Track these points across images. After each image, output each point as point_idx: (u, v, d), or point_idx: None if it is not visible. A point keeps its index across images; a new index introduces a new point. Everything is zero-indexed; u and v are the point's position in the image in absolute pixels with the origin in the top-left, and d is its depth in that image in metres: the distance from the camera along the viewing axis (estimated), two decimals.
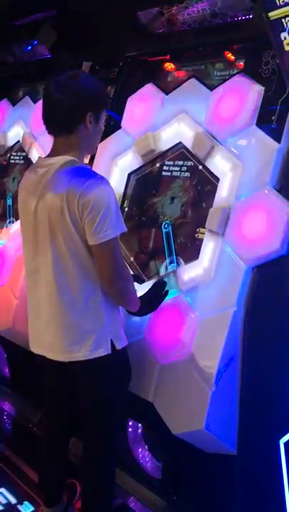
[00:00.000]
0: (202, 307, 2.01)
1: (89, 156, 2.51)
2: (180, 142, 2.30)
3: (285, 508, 1.90)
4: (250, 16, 2.13)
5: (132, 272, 2.26)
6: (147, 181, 2.46)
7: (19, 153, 3.39)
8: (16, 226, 3.05)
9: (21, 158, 3.36)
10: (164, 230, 2.28)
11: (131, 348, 1.98)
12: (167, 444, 2.22)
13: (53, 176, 1.79)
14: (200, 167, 2.22)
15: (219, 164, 2.10)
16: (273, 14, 1.71)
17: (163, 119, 2.36)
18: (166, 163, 2.38)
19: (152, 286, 2.06)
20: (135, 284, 1.99)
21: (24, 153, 3.28)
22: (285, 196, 1.89)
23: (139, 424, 2.43)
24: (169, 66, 2.62)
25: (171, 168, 2.36)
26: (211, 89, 2.21)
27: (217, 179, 2.11)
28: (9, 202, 3.27)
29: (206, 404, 1.87)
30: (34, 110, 3.15)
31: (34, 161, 2.24)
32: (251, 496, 1.95)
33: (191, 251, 2.17)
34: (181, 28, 2.40)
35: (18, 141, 3.32)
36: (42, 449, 2.17)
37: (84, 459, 2.03)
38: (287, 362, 1.89)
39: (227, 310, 1.91)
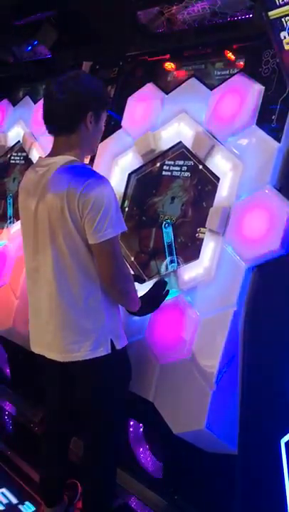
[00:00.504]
0: (202, 307, 2.00)
1: (89, 156, 2.51)
2: (180, 142, 2.30)
3: (286, 507, 1.90)
4: (250, 15, 2.13)
5: (132, 272, 2.26)
6: (148, 181, 2.46)
7: (19, 154, 3.39)
8: (16, 226, 3.05)
9: (22, 158, 3.36)
10: (164, 230, 2.28)
11: (131, 348, 1.98)
12: (168, 444, 2.22)
13: (53, 175, 1.79)
14: (200, 167, 2.22)
15: (219, 164, 2.10)
16: (273, 13, 1.71)
17: (163, 119, 2.36)
18: (167, 162, 2.38)
19: (153, 286, 2.06)
20: (136, 283, 1.99)
21: (24, 154, 3.28)
22: (285, 196, 1.89)
23: (140, 424, 2.43)
24: (169, 66, 2.62)
25: (172, 167, 2.36)
26: (211, 89, 2.21)
27: (217, 179, 2.11)
28: (10, 202, 3.28)
29: (207, 404, 1.87)
30: (34, 110, 3.15)
31: (34, 161, 2.24)
32: (252, 496, 1.94)
33: (191, 251, 2.17)
34: (181, 27, 2.40)
35: (19, 141, 3.32)
36: (42, 449, 2.17)
37: (85, 458, 2.03)
38: (288, 361, 1.89)
39: (227, 310, 1.91)
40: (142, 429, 2.45)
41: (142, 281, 2.17)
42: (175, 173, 2.35)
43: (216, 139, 2.11)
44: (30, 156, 3.14)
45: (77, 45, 2.95)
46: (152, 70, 2.64)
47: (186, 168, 2.31)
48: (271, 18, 1.71)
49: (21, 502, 2.38)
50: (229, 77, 2.17)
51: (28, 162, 3.18)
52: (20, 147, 3.34)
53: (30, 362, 2.13)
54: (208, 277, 2.01)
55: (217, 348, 1.89)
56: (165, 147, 2.37)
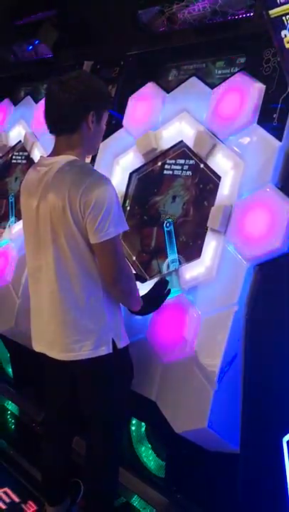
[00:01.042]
0: (204, 306, 2.00)
1: (91, 155, 2.51)
2: (181, 141, 2.30)
3: (288, 506, 1.90)
4: (251, 14, 2.12)
5: (134, 271, 2.26)
6: (149, 180, 2.46)
7: (21, 153, 3.39)
8: (18, 226, 3.05)
9: (23, 157, 3.37)
10: (165, 229, 2.28)
11: (133, 347, 1.98)
12: (170, 443, 2.22)
13: (55, 175, 1.79)
14: (201, 165, 2.22)
15: (221, 162, 2.10)
16: (274, 12, 1.70)
17: (164, 118, 2.36)
18: (168, 161, 2.38)
19: (154, 285, 2.05)
20: (137, 283, 1.99)
21: (26, 153, 3.28)
22: (286, 194, 1.89)
23: (142, 423, 2.44)
24: (170, 65, 2.62)
25: (173, 166, 2.36)
26: (212, 88, 2.21)
27: (219, 177, 2.11)
28: (12, 201, 3.28)
29: (209, 403, 1.87)
30: (36, 110, 3.16)
31: (36, 161, 2.24)
32: (254, 495, 1.95)
33: (193, 250, 2.17)
34: (181, 26, 2.40)
35: (20, 140, 3.32)
36: (43, 448, 2.18)
37: (87, 458, 2.04)
38: None
39: (229, 308, 1.91)
40: (144, 428, 2.46)
41: (143, 280, 2.18)
42: (176, 172, 2.35)
43: (217, 137, 2.11)
44: (31, 156, 3.15)
45: (79, 45, 2.95)
46: (153, 69, 2.64)
47: (187, 167, 2.31)
48: (272, 16, 1.71)
49: (24, 501, 2.39)
50: (230, 76, 2.17)
51: (29, 161, 3.19)
52: (21, 147, 3.34)
53: (33, 361, 2.13)
54: (210, 276, 2.01)
55: (219, 347, 1.89)
56: (166, 146, 2.37)
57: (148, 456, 2.45)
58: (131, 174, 2.51)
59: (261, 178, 1.95)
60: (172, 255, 2.24)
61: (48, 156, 1.89)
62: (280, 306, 1.93)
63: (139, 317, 2.06)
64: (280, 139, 1.93)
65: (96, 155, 2.55)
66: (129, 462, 2.37)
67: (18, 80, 3.65)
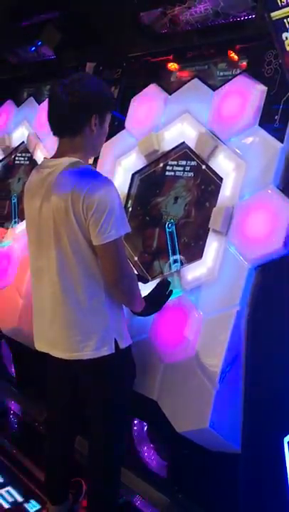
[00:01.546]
0: (206, 306, 2.01)
1: (93, 157, 2.52)
2: (183, 142, 2.31)
3: None
4: (253, 16, 2.13)
5: (136, 272, 2.27)
6: (151, 181, 2.47)
7: (24, 154, 3.40)
8: (21, 226, 3.06)
9: (26, 159, 3.38)
10: (167, 230, 2.29)
11: (135, 347, 1.98)
12: (172, 443, 2.23)
13: (58, 177, 1.80)
14: (203, 167, 2.23)
15: (222, 164, 2.11)
16: (275, 14, 1.71)
17: (166, 119, 2.37)
18: (170, 163, 2.39)
19: (156, 286, 2.06)
20: (139, 283, 2.00)
21: (29, 154, 3.29)
22: (288, 196, 1.90)
23: (144, 423, 2.45)
24: (172, 66, 2.63)
25: (175, 168, 2.37)
26: (214, 89, 2.22)
27: (220, 179, 2.12)
28: (14, 202, 3.29)
29: (211, 403, 1.88)
30: (39, 111, 3.17)
31: (39, 162, 2.25)
32: (255, 494, 1.95)
33: (194, 251, 2.17)
34: (184, 28, 2.41)
35: (23, 142, 3.33)
36: (45, 448, 2.18)
37: (89, 457, 2.04)
38: None
39: (231, 309, 1.91)
40: (146, 428, 2.46)
41: (145, 281, 2.18)
42: (178, 174, 2.35)
43: (219, 139, 2.12)
44: (34, 157, 3.16)
45: (81, 46, 2.96)
46: (155, 70, 2.65)
47: (189, 168, 2.31)
48: (273, 18, 1.72)
49: (26, 500, 2.40)
50: (232, 78, 2.17)
51: (32, 163, 3.20)
52: (24, 148, 3.35)
53: (36, 361, 2.15)
54: (212, 277, 2.01)
55: (220, 348, 1.90)
56: (168, 147, 2.37)
57: (150, 456, 2.45)
58: (133, 175, 2.52)
59: (263, 179, 1.95)
60: (174, 256, 2.25)
61: (51, 158, 1.90)
62: (282, 307, 1.94)
63: (141, 317, 2.06)
64: (281, 140, 1.94)
65: (98, 156, 2.56)
66: (131, 462, 2.38)
67: (21, 82, 3.66)
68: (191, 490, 2.25)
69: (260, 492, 1.96)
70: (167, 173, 2.40)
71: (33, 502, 2.38)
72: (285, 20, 1.70)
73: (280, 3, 1.68)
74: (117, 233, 1.74)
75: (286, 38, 1.71)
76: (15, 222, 3.23)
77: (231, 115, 2.09)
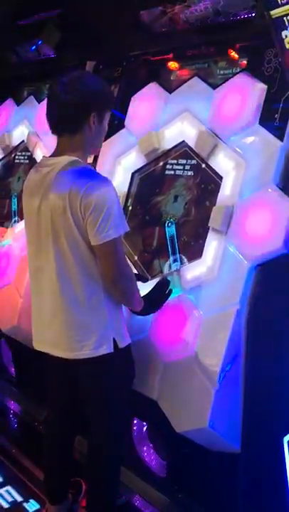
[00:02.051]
0: (205, 306, 2.01)
1: (93, 155, 2.51)
2: (183, 141, 2.30)
3: None
4: (253, 15, 2.12)
5: (135, 271, 2.27)
6: (151, 180, 2.46)
7: (24, 153, 3.40)
8: (21, 225, 3.06)
9: (26, 157, 3.37)
10: (167, 229, 2.28)
11: (134, 347, 1.98)
12: (172, 443, 2.22)
13: (56, 175, 1.79)
14: (203, 165, 2.22)
15: (222, 163, 2.11)
16: (275, 12, 1.71)
17: (166, 118, 2.36)
18: (170, 161, 2.39)
19: (156, 286, 2.06)
20: (139, 283, 2.00)
21: (29, 153, 3.29)
22: (288, 194, 1.89)
23: (144, 423, 2.44)
24: (172, 65, 2.62)
25: (175, 166, 2.37)
26: (214, 88, 2.22)
27: (220, 177, 2.11)
28: (14, 201, 3.29)
29: (210, 403, 1.88)
30: (39, 110, 3.16)
31: (38, 161, 2.25)
32: (255, 494, 1.95)
33: (194, 250, 2.17)
34: (184, 26, 2.40)
35: (23, 140, 3.33)
36: (44, 448, 2.18)
37: (89, 457, 2.04)
38: None
39: (230, 308, 1.91)
40: (145, 428, 2.46)
41: (145, 280, 2.18)
42: (178, 172, 2.35)
43: (218, 137, 2.12)
44: (34, 156, 3.15)
45: (81, 45, 2.96)
46: (155, 69, 2.65)
47: (189, 167, 2.31)
48: (273, 17, 1.71)
49: (26, 500, 2.40)
50: (232, 76, 2.17)
51: (32, 161, 3.19)
52: (24, 147, 3.35)
53: (35, 360, 2.14)
54: (211, 276, 2.01)
55: (220, 347, 1.89)
56: (168, 146, 2.37)
57: (149, 456, 2.45)
58: (133, 174, 2.51)
59: (263, 178, 1.95)
60: (174, 255, 2.24)
61: (50, 157, 1.89)
62: (282, 306, 1.93)
63: (140, 317, 2.06)
64: (281, 139, 1.94)
65: (98, 155, 2.56)
66: (130, 462, 2.37)
67: (21, 80, 3.65)
68: (190, 489, 2.24)
69: (259, 491, 1.96)
70: (167, 171, 2.39)
71: (32, 502, 2.38)
72: (284, 18, 1.69)
73: (279, 1, 1.67)
74: (115, 233, 1.73)
75: (286, 36, 1.70)
76: (15, 222, 3.22)
77: (231, 114, 2.09)
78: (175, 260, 2.23)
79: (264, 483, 1.96)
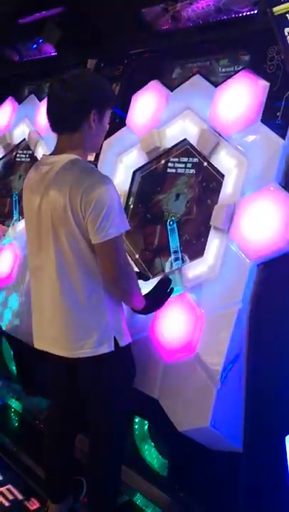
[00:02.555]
0: (207, 304, 2.00)
1: (93, 153, 2.51)
2: (185, 139, 2.30)
3: None
4: (255, 12, 2.11)
5: (136, 270, 2.26)
6: (152, 178, 2.46)
7: (25, 151, 3.40)
8: (22, 224, 3.06)
9: (27, 156, 3.37)
10: (169, 227, 2.28)
11: (136, 346, 1.98)
12: (173, 441, 2.22)
13: (56, 174, 1.79)
14: (205, 164, 2.22)
15: (224, 161, 2.10)
16: (278, 9, 1.70)
17: (168, 116, 2.36)
18: (171, 160, 2.38)
19: (157, 284, 2.05)
20: (141, 281, 1.99)
21: (30, 151, 3.29)
22: None
23: (145, 422, 2.44)
24: (174, 63, 2.61)
25: (176, 165, 2.36)
26: (216, 86, 2.20)
27: (222, 176, 2.10)
28: (15, 200, 3.29)
29: (212, 402, 1.87)
30: (40, 108, 3.16)
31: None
32: (257, 493, 1.95)
33: (196, 248, 2.16)
34: (185, 24, 2.39)
35: (24, 139, 3.32)
36: (45, 446, 2.18)
37: (90, 456, 2.04)
38: None
39: (232, 307, 1.90)
40: (147, 427, 2.46)
41: (146, 278, 2.17)
42: (180, 171, 2.34)
43: (220, 135, 2.11)
44: (35, 154, 3.15)
45: (82, 43, 2.95)
46: (157, 67, 2.63)
47: (190, 165, 2.30)
48: (276, 14, 1.70)
49: (27, 498, 2.40)
50: (234, 74, 2.16)
51: (33, 160, 3.19)
52: (25, 145, 3.35)
53: (36, 359, 2.14)
54: (213, 275, 2.00)
55: (222, 346, 1.89)
56: (170, 144, 2.36)
57: (151, 455, 2.45)
58: (134, 172, 2.51)
59: (265, 176, 1.94)
60: (175, 254, 2.24)
61: (50, 155, 1.89)
62: (284, 305, 1.93)
63: (141, 316, 2.06)
64: (283, 137, 1.93)
65: (99, 153, 2.55)
66: (131, 461, 2.37)
67: (22, 79, 3.65)
68: (192, 488, 2.24)
69: (261, 491, 1.96)
70: (169, 170, 2.39)
71: (33, 500, 2.38)
72: (287, 15, 1.68)
73: None
74: (116, 231, 1.73)
75: (288, 33, 1.69)
76: (16, 220, 3.22)
77: (233, 112, 2.07)
78: (176, 259, 2.22)
79: (265, 483, 1.96)
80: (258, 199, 1.93)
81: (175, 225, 2.26)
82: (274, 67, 2.01)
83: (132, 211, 2.49)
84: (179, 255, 2.23)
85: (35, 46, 3.30)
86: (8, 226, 3.22)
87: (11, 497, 2.41)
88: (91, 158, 2.55)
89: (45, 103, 1.87)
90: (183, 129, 2.29)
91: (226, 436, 1.89)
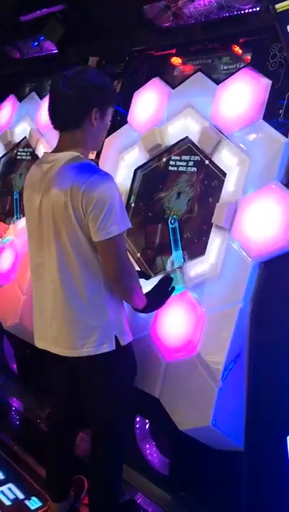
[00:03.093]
0: (209, 303, 2.00)
1: (95, 151, 2.50)
2: (187, 137, 2.29)
3: None
4: (257, 9, 2.10)
5: (138, 268, 2.25)
6: (154, 176, 2.45)
7: (26, 149, 3.39)
8: (23, 222, 3.05)
9: (28, 154, 3.37)
10: (170, 226, 2.27)
11: (137, 345, 1.97)
12: (174, 440, 2.21)
13: (58, 171, 1.78)
14: (207, 162, 2.21)
15: (226, 159, 2.09)
16: (280, 6, 1.70)
17: (169, 114, 2.35)
18: (173, 158, 2.37)
19: (158, 283, 2.04)
20: (142, 280, 1.99)
21: (31, 149, 3.28)
22: None
23: (147, 421, 2.43)
24: (176, 60, 2.61)
25: (178, 163, 2.35)
26: (218, 83, 2.19)
27: (224, 174, 2.10)
28: (16, 198, 3.28)
29: (213, 401, 1.87)
30: (41, 106, 3.15)
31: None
32: (258, 492, 1.94)
33: (197, 246, 2.16)
34: (187, 21, 2.38)
35: (25, 137, 3.32)
36: (47, 445, 2.18)
37: (92, 455, 2.03)
38: None
39: (234, 306, 1.90)
40: (148, 426, 2.45)
41: (147, 277, 2.17)
42: (181, 169, 2.33)
43: (222, 133, 2.10)
44: (36, 152, 3.14)
45: (84, 41, 2.94)
46: (158, 64, 2.63)
47: (192, 163, 2.29)
48: (278, 10, 1.71)
49: (28, 497, 2.39)
50: (236, 71, 2.15)
51: (34, 158, 3.18)
52: (26, 143, 3.34)
53: (37, 357, 2.14)
54: (215, 273, 2.00)
55: (223, 345, 1.88)
56: (171, 142, 2.35)
57: (152, 454, 2.44)
58: (136, 170, 2.50)
59: (267, 174, 1.93)
60: (177, 252, 2.23)
61: (51, 152, 1.88)
62: (285, 304, 1.92)
63: (143, 314, 2.05)
64: (286, 135, 1.92)
65: (101, 151, 2.55)
66: (133, 460, 2.37)
67: (24, 76, 3.64)
68: (193, 487, 2.24)
69: (262, 490, 1.95)
70: (170, 168, 2.38)
71: (34, 499, 2.38)
72: None
73: None
74: (117, 229, 1.72)
75: None
76: (17, 218, 3.22)
77: (235, 109, 2.07)
78: (178, 257, 2.22)
79: (267, 482, 1.95)
80: (259, 197, 1.93)
81: (176, 224, 2.26)
82: (276, 65, 2.00)
83: (133, 209, 2.49)
84: (181, 254, 2.22)
85: (36, 44, 3.30)
86: (10, 224, 3.21)
87: (11, 496, 2.40)
88: (92, 156, 2.55)
89: (47, 101, 1.86)
90: (184, 126, 2.28)
91: (227, 435, 1.89)
